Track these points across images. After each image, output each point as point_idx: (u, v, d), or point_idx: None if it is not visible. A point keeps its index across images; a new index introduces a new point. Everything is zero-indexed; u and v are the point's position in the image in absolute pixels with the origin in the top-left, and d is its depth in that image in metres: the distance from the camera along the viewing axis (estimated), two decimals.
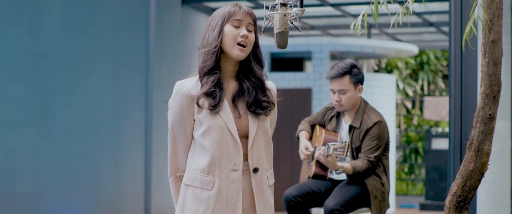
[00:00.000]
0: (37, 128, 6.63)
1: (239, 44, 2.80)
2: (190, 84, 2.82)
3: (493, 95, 2.89)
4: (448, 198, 2.97)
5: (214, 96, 2.78)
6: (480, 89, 2.92)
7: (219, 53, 2.81)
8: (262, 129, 2.86)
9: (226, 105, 2.81)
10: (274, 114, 2.97)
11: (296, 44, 10.37)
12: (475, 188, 2.93)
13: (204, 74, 2.80)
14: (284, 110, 10.04)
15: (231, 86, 2.86)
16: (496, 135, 5.25)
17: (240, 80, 2.87)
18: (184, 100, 2.80)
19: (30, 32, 6.57)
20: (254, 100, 2.84)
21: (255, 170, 2.83)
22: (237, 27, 2.81)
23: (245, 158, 2.84)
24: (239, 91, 2.86)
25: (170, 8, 8.62)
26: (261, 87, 2.87)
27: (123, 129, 7.74)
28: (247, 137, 2.83)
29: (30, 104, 6.56)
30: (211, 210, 2.76)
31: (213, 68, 2.80)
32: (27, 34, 6.54)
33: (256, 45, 2.86)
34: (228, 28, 2.80)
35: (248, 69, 2.86)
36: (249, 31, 2.83)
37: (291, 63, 11.00)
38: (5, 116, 6.33)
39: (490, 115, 2.89)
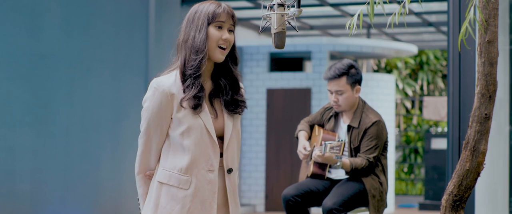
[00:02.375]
0: (37, 127, 6.65)
1: (219, 47, 2.82)
2: (169, 82, 2.81)
3: (489, 95, 2.90)
4: (445, 197, 2.98)
5: (198, 98, 2.79)
6: (476, 89, 2.94)
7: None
8: (235, 130, 2.89)
9: (205, 105, 2.82)
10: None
11: (295, 44, 10.37)
12: (471, 187, 2.94)
13: (189, 76, 2.80)
14: (284, 110, 10.05)
15: (207, 86, 2.87)
16: (494, 134, 5.25)
17: (215, 79, 2.89)
18: (164, 98, 2.79)
19: (30, 32, 6.58)
20: (232, 99, 2.87)
21: (229, 171, 2.86)
22: (220, 28, 2.83)
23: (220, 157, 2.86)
24: (215, 90, 2.88)
25: (169, 8, 8.63)
26: (236, 86, 2.90)
27: (123, 129, 7.75)
28: (222, 137, 2.86)
29: (30, 104, 6.57)
30: (186, 210, 2.77)
31: (199, 70, 2.80)
32: (27, 34, 6.56)
33: (233, 45, 2.88)
34: (212, 30, 2.81)
35: (225, 69, 2.89)
36: (229, 32, 2.85)
37: (291, 63, 11.01)
38: (5, 115, 6.34)
39: (486, 114, 2.90)
